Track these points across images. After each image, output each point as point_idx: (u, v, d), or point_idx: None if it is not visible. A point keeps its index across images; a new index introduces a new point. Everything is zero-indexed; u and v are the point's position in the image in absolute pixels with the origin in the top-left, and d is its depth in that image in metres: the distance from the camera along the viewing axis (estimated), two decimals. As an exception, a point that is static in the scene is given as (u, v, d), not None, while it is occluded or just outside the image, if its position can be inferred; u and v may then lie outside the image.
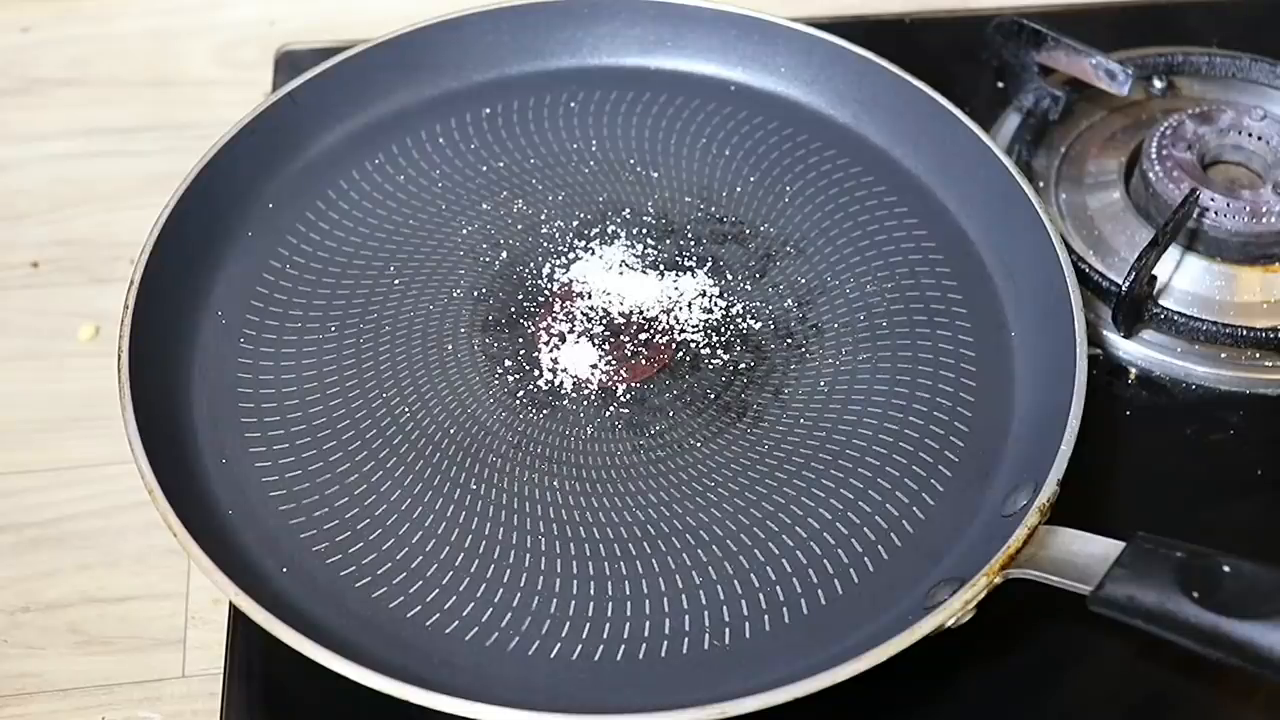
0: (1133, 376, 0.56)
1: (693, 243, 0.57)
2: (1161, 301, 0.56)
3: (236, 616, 0.48)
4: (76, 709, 0.53)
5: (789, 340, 0.53)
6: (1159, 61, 0.66)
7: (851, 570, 0.46)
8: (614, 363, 0.52)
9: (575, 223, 0.58)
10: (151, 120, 0.73)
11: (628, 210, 0.58)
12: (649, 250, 0.56)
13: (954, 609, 0.41)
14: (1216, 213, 0.57)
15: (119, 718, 0.53)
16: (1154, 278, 0.55)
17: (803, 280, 0.56)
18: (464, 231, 0.57)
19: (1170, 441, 0.54)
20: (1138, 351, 0.56)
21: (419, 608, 0.45)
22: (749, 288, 0.55)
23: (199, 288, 0.53)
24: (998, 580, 0.41)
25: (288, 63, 0.67)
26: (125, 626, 0.55)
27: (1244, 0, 0.73)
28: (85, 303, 0.65)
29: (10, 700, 0.53)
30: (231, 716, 0.46)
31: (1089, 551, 0.41)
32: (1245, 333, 0.55)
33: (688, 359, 0.53)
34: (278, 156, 0.58)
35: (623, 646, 0.44)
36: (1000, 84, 0.66)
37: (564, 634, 0.44)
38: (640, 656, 0.44)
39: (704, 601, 0.45)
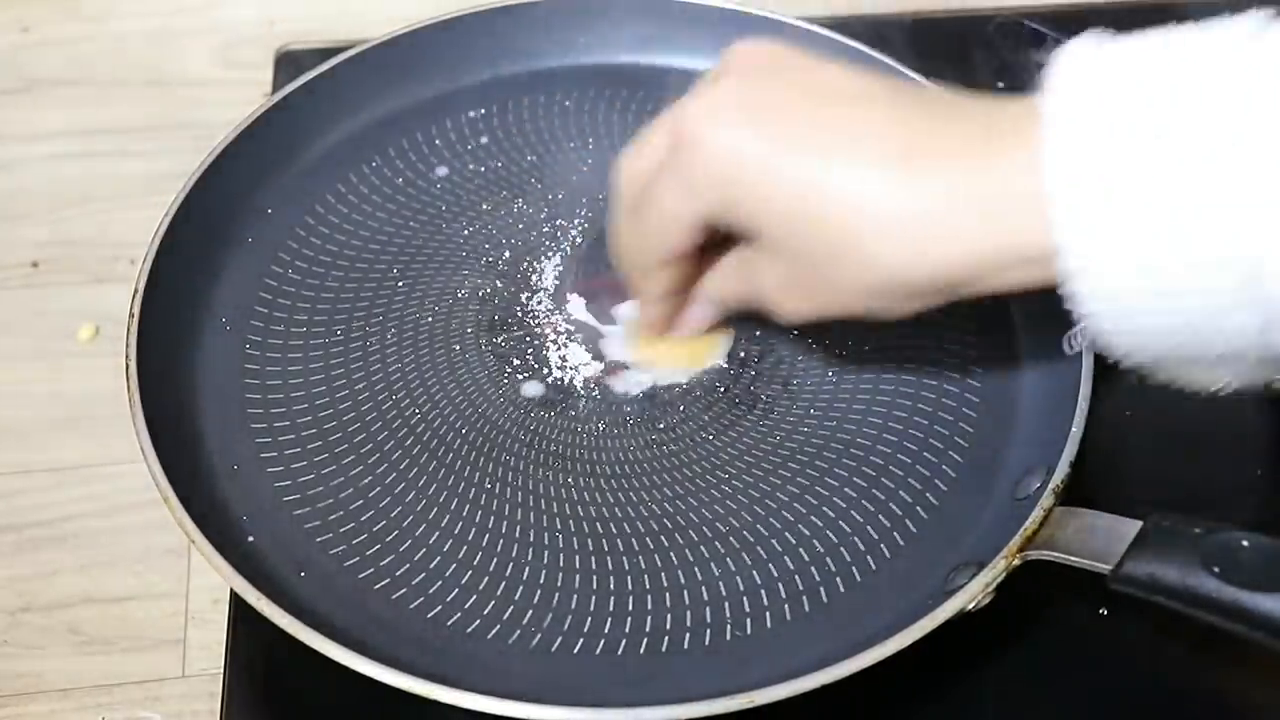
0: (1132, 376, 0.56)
1: (694, 237, 0.57)
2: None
3: (237, 616, 0.48)
4: (76, 709, 0.52)
5: (794, 332, 0.53)
6: (1156, 60, 0.67)
7: (869, 557, 0.46)
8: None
9: (577, 220, 0.58)
10: (151, 120, 0.72)
11: (629, 207, 0.58)
12: (652, 246, 0.56)
13: (974, 592, 0.41)
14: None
15: (119, 718, 0.52)
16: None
17: (805, 272, 0.56)
18: (465, 232, 0.57)
19: (1169, 442, 0.54)
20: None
21: (439, 608, 0.44)
22: (752, 280, 0.55)
23: (201, 295, 0.53)
24: (1016, 562, 0.42)
25: (288, 63, 0.67)
26: (125, 626, 0.54)
27: (1244, 1, 0.74)
28: (85, 303, 0.65)
29: (10, 700, 0.52)
30: (232, 716, 0.46)
31: (1106, 531, 0.41)
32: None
33: (694, 352, 0.53)
34: (273, 162, 0.58)
35: (645, 640, 0.44)
36: (1000, 84, 0.66)
37: (586, 630, 0.44)
38: (663, 650, 0.44)
39: (724, 592, 0.45)
